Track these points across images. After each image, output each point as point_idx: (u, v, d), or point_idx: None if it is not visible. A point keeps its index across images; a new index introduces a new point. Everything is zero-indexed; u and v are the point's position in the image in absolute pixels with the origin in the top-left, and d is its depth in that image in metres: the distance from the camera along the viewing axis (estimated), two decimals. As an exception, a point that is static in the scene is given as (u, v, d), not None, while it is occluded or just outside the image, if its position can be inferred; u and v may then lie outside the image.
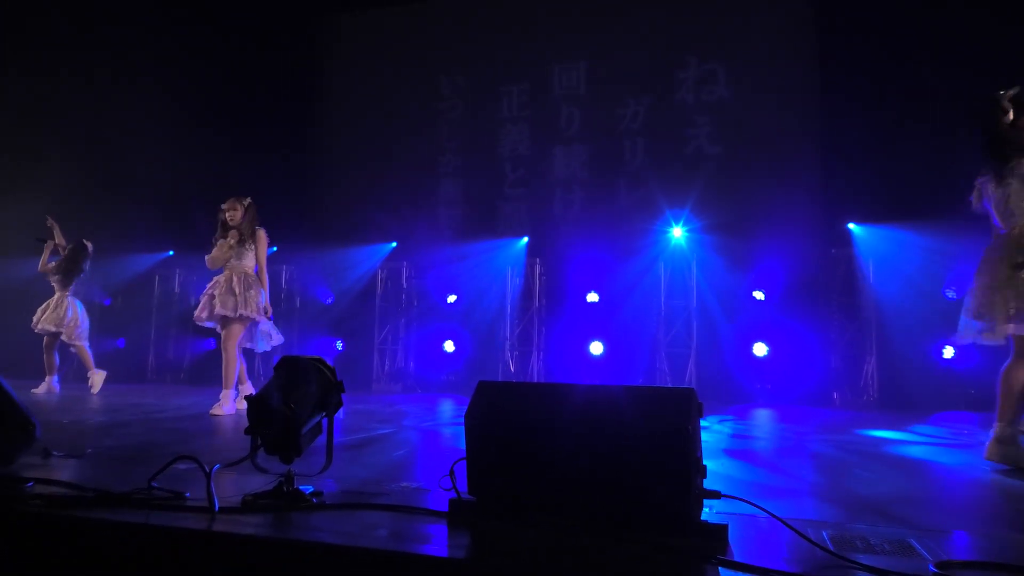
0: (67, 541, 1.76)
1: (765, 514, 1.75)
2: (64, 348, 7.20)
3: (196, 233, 9.91)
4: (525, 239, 9.15)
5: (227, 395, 5.13)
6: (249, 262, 5.34)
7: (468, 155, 9.95)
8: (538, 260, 9.09)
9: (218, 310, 5.13)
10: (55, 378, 7.02)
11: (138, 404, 5.90)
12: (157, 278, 10.56)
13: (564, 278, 8.80)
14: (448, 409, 6.36)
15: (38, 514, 1.81)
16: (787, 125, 8.50)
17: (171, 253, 10.55)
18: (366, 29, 10.61)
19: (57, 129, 9.57)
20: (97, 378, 7.04)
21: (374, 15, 10.55)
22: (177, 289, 10.56)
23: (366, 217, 10.01)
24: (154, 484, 1.99)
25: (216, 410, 5.02)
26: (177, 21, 9.61)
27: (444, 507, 1.85)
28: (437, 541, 1.65)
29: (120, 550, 1.71)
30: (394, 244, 9.69)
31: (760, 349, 7.96)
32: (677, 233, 8.50)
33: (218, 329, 5.34)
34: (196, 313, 5.34)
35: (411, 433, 4.32)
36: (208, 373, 9.92)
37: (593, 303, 8.65)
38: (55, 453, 2.78)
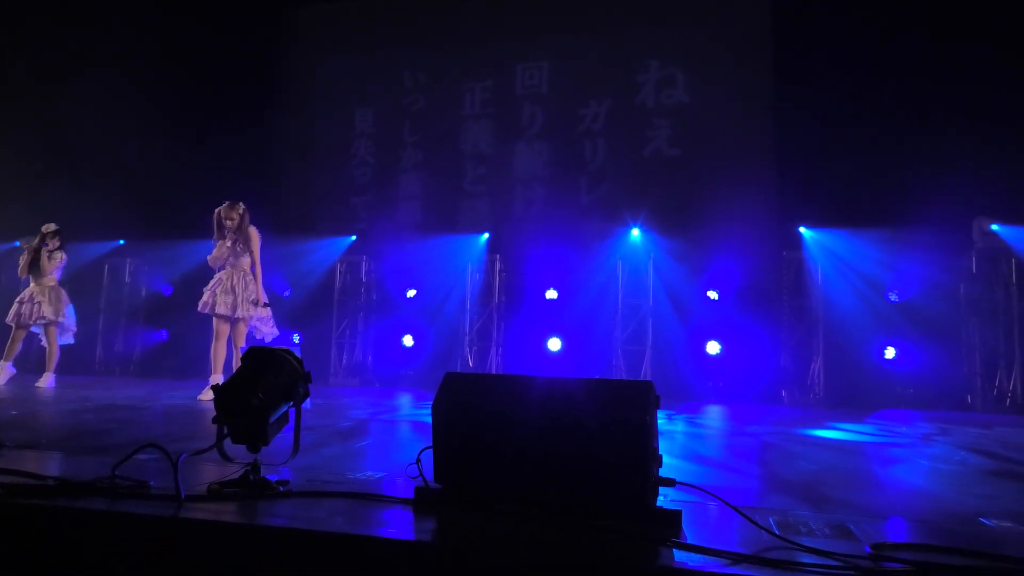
0: (30, 530, 1.75)
1: (716, 501, 1.85)
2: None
3: (148, 221, 9.71)
4: (486, 235, 9.20)
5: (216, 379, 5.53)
6: (246, 260, 5.81)
7: (430, 150, 9.94)
8: (498, 256, 9.16)
9: (219, 309, 5.64)
10: (11, 363, 6.81)
11: (87, 396, 5.76)
12: (107, 267, 10.27)
13: (524, 275, 8.88)
14: (407, 403, 6.38)
15: (-2, 503, 1.79)
16: (743, 130, 8.74)
17: (122, 242, 10.28)
18: (329, 20, 10.51)
19: (3, 111, 9.23)
20: (48, 380, 6.80)
21: (338, 7, 10.46)
22: (128, 279, 10.30)
23: (325, 209, 9.93)
24: (117, 473, 1.98)
25: (205, 396, 5.51)
26: (135, 6, 9.36)
27: (409, 495, 1.90)
28: (403, 526, 1.70)
29: (85, 538, 1.71)
30: (353, 237, 9.63)
31: (713, 347, 8.18)
32: (635, 233, 8.66)
33: (215, 322, 5.81)
34: (200, 305, 5.78)
35: (373, 425, 4.34)
36: (159, 365, 9.72)
37: (552, 300, 8.75)
38: (7, 444, 2.73)
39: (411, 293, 9.23)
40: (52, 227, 6.96)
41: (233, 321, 5.70)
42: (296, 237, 9.51)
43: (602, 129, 9.28)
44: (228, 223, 5.75)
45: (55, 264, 6.92)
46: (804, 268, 8.21)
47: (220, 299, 5.66)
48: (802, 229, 8.25)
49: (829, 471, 3.16)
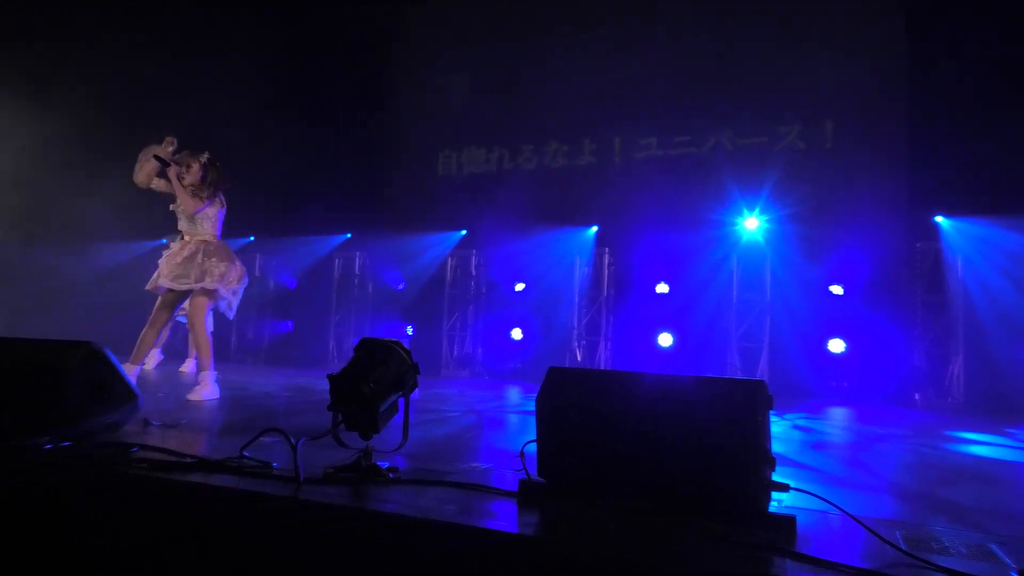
0: (167, 501, 1.92)
1: (835, 509, 1.73)
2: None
3: (275, 219, 10.39)
4: (594, 228, 9.12)
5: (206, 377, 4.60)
6: (207, 228, 4.80)
7: (539, 143, 9.96)
8: (607, 249, 9.05)
9: (169, 283, 4.56)
10: (159, 350, 7.50)
11: (223, 381, 6.21)
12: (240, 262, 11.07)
13: (633, 268, 8.73)
14: (515, 396, 6.44)
15: (143, 476, 1.98)
16: (873, 112, 8.14)
17: (251, 239, 11.03)
18: (446, 12, 10.66)
19: (143, 108, 9.84)
20: (190, 365, 7.41)
21: (454, 2, 10.61)
22: (257, 273, 11.03)
23: (437, 205, 10.20)
24: (245, 453, 2.13)
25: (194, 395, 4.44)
26: (262, 8, 9.86)
27: (514, 487, 1.91)
28: (507, 518, 1.71)
29: (214, 511, 1.85)
30: (463, 232, 9.84)
31: (837, 345, 7.70)
32: (752, 223, 8.28)
33: (184, 305, 4.89)
34: (150, 284, 4.71)
35: (481, 417, 4.42)
36: (286, 354, 10.38)
37: (663, 294, 8.55)
38: (154, 423, 3.00)
39: (520, 287, 9.31)
40: None
41: (192, 295, 4.62)
42: (409, 232, 9.86)
43: (718, 116, 8.91)
44: (183, 171, 4.64)
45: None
46: (941, 260, 7.55)
47: (172, 271, 4.55)
48: (938, 218, 7.59)
49: (968, 483, 2.90)
